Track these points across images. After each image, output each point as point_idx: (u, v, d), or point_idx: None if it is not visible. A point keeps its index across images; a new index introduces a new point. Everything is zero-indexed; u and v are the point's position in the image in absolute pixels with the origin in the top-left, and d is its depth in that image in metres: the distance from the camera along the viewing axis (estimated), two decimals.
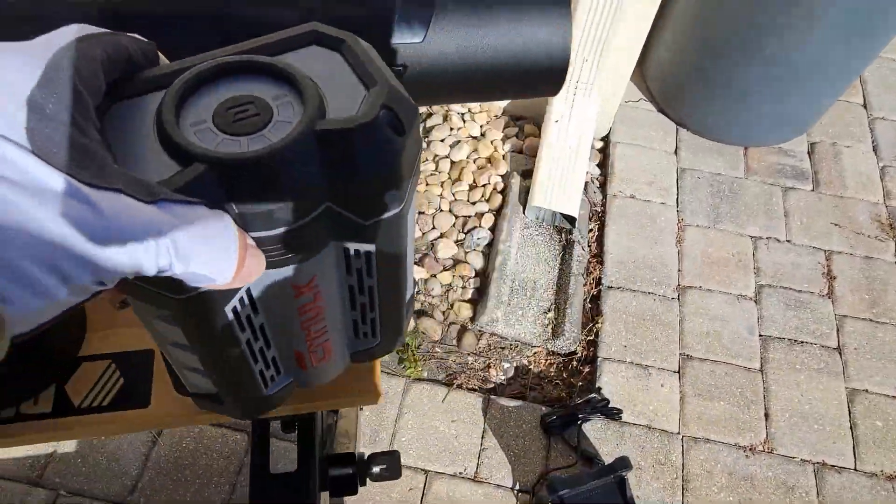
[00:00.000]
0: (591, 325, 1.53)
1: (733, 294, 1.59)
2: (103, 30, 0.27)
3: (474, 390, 1.44)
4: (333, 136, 0.28)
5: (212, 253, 0.25)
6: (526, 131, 1.80)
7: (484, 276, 1.57)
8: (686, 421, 1.41)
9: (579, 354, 1.50)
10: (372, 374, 0.49)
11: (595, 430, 1.38)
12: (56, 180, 0.21)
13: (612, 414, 1.37)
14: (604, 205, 1.72)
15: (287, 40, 0.32)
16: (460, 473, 1.33)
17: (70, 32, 0.26)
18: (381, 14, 0.47)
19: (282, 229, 0.29)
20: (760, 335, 1.53)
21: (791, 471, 1.37)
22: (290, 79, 0.30)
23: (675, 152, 1.83)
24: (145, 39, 0.30)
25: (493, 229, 1.63)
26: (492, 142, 1.76)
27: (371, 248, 0.34)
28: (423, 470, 1.33)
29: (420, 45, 0.48)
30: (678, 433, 1.39)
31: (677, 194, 1.74)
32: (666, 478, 1.34)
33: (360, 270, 0.35)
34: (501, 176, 1.70)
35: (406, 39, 0.48)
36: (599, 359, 1.47)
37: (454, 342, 1.49)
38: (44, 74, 0.23)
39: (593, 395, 1.39)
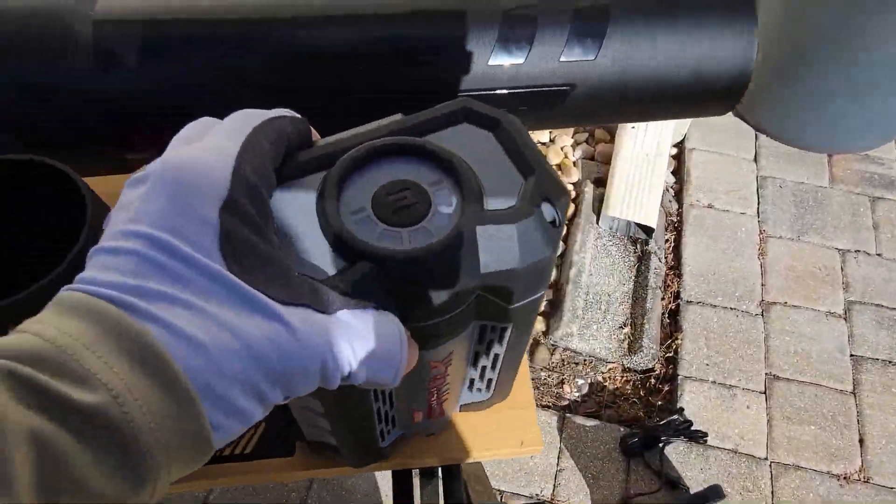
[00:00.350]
0: (669, 341, 1.46)
1: (821, 311, 1.50)
2: (263, 113, 0.27)
3: (548, 407, 1.38)
4: (494, 230, 0.27)
5: (384, 359, 0.25)
6: (597, 137, 1.74)
7: (557, 288, 1.51)
8: (774, 446, 1.33)
9: (657, 372, 1.43)
10: (532, 424, 0.45)
11: (677, 452, 1.32)
12: (255, 301, 0.21)
13: (697, 437, 1.30)
14: (680, 214, 1.65)
15: (439, 118, 0.31)
16: (537, 495, 1.28)
17: (240, 123, 0.25)
18: (552, 29, 0.42)
19: (435, 320, 0.28)
20: (852, 355, 1.44)
21: (890, 502, 1.28)
22: (448, 166, 0.29)
23: (755, 159, 1.74)
24: (298, 116, 0.28)
25: (565, 240, 1.57)
26: (562, 148, 1.70)
27: (509, 325, 0.34)
28: (497, 490, 1.28)
29: (591, 62, 0.44)
30: (766, 459, 1.32)
31: (758, 204, 1.66)
32: None
33: (491, 341, 0.36)
34: (573, 184, 1.65)
35: (576, 56, 0.43)
36: (680, 377, 1.41)
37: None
38: (233, 174, 0.23)
39: (675, 415, 1.33)
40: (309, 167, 0.29)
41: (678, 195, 1.69)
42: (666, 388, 1.41)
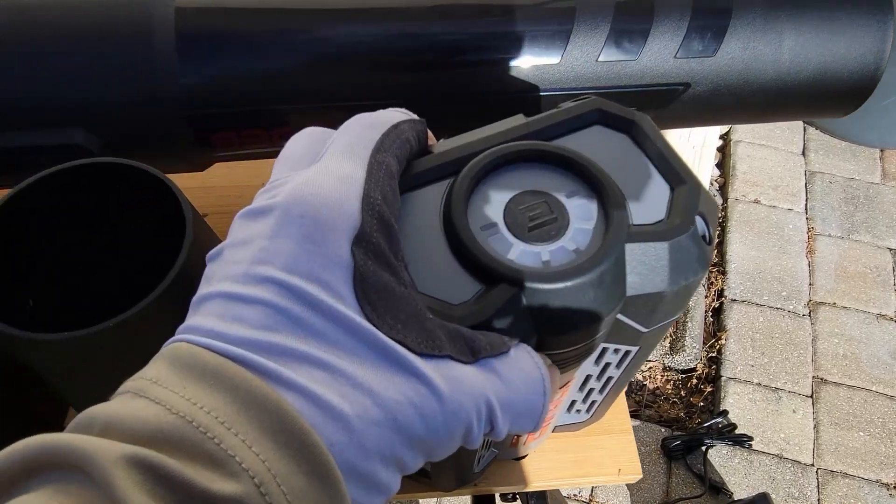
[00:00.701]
0: (713, 340, 1.42)
1: (872, 313, 1.45)
2: (381, 120, 0.24)
3: None
4: (644, 248, 0.24)
5: (528, 408, 0.22)
6: None
7: None
8: (821, 452, 1.29)
9: (699, 372, 1.40)
10: (630, 450, 0.42)
11: (720, 456, 1.28)
12: (395, 356, 0.19)
13: (742, 441, 1.27)
14: (724, 210, 1.59)
15: (569, 121, 0.28)
16: (575, 496, 1.25)
17: (358, 136, 0.23)
18: (669, 22, 0.38)
19: (572, 349, 0.26)
20: None
21: None
22: (587, 174, 0.26)
23: (803, 153, 1.68)
24: (416, 117, 0.26)
25: None
26: None
27: (634, 348, 0.31)
28: None
29: (711, 58, 0.40)
30: (812, 465, 1.28)
31: (806, 200, 1.60)
32: None
33: (608, 364, 0.32)
34: None
35: (695, 53, 0.39)
36: (723, 378, 1.37)
37: None
38: (363, 203, 0.20)
39: (719, 418, 1.29)
40: (429, 177, 0.26)
41: (723, 189, 1.63)
42: (708, 389, 1.38)
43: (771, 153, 1.67)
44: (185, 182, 0.45)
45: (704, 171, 1.50)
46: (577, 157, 0.26)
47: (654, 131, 0.27)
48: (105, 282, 0.36)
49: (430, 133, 0.28)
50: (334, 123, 0.40)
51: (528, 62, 0.38)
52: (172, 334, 0.20)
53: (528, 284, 0.23)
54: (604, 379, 0.34)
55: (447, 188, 0.26)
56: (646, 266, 0.24)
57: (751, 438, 1.27)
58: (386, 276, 0.20)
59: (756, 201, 1.60)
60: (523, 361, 0.22)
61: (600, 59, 0.39)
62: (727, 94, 0.41)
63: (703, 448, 1.26)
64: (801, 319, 1.44)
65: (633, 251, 0.24)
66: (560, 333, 0.24)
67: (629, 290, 0.24)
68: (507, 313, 0.22)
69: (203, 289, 0.20)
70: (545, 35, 0.38)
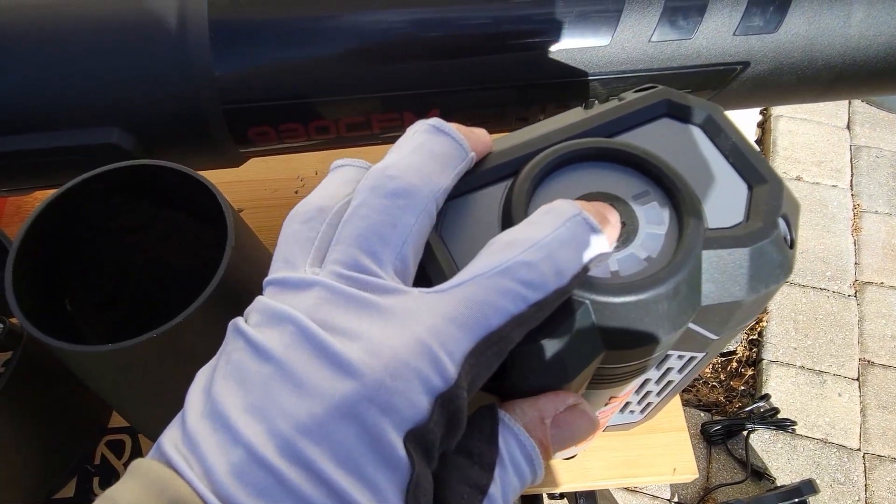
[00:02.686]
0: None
1: None
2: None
3: None
4: (722, 255, 0.22)
5: None
6: None
7: None
8: (868, 436, 1.25)
9: (740, 355, 1.36)
10: (686, 449, 0.40)
11: (762, 441, 1.25)
12: None
13: (785, 425, 1.23)
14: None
15: (634, 113, 0.26)
16: None
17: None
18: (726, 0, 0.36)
19: (640, 361, 0.24)
20: None
21: None
22: (657, 173, 0.24)
23: (848, 127, 1.61)
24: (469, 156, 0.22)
25: None
26: None
27: (700, 354, 0.29)
28: None
29: (772, 34, 0.37)
30: (859, 449, 1.24)
31: (851, 176, 1.54)
32: (846, 500, 1.20)
33: (670, 369, 0.30)
34: None
35: (755, 29, 0.37)
36: (764, 361, 1.33)
37: None
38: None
39: (761, 402, 1.26)
40: (486, 178, 0.24)
41: None
42: (749, 373, 1.34)
43: (813, 128, 1.61)
44: (219, 176, 0.44)
45: None
46: (645, 155, 0.24)
47: (728, 124, 0.25)
48: (144, 283, 0.35)
49: (484, 132, 0.25)
50: (373, 116, 0.39)
51: (575, 45, 0.36)
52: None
53: (596, 297, 0.21)
54: (663, 383, 0.32)
55: (505, 191, 0.24)
56: (723, 274, 0.22)
57: (794, 423, 1.24)
58: (427, 472, 0.17)
59: (798, 178, 1.54)
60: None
61: (653, 39, 0.36)
62: (789, 72, 0.38)
63: (745, 433, 1.23)
64: (846, 300, 1.39)
65: (709, 258, 0.22)
66: (629, 348, 0.22)
67: (704, 299, 0.23)
68: (574, 330, 0.21)
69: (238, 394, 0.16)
70: (594, 15, 0.36)
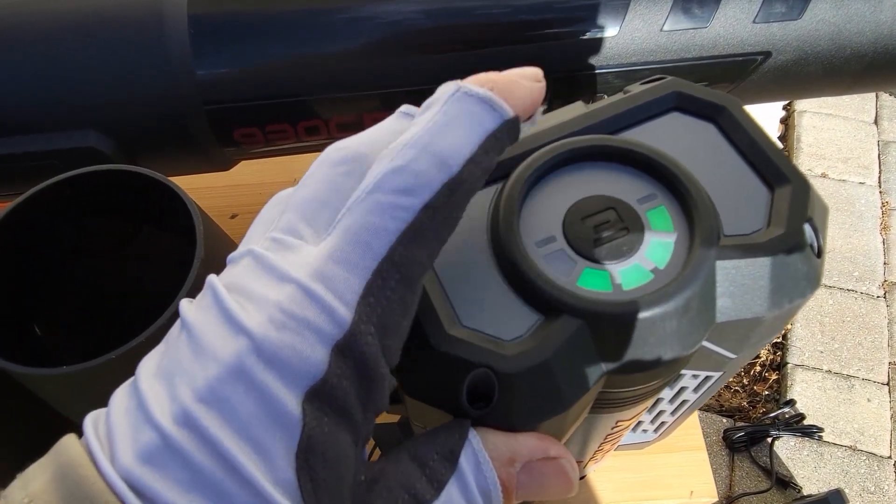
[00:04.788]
0: None
1: None
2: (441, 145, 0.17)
3: None
4: (739, 266, 0.20)
5: None
6: None
7: None
8: None
9: (763, 358, 1.32)
10: (704, 470, 0.37)
11: (787, 448, 1.21)
12: None
13: (811, 432, 1.19)
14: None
15: (641, 107, 0.23)
16: None
17: (367, 217, 0.16)
18: None
19: (647, 385, 0.21)
20: None
21: None
22: (665, 174, 0.21)
23: (875, 122, 1.56)
24: (509, 114, 0.18)
25: None
26: None
27: (717, 374, 0.26)
28: None
29: (796, 22, 0.34)
30: (889, 457, 1.20)
31: (879, 173, 1.49)
32: None
33: (684, 388, 0.28)
34: None
35: (777, 17, 0.34)
36: (789, 365, 1.29)
37: None
38: (345, 339, 0.15)
39: (786, 408, 1.22)
40: None
41: None
42: (773, 377, 1.30)
43: (839, 123, 1.56)
44: (211, 180, 0.42)
45: None
46: (652, 154, 0.21)
47: (747, 118, 0.22)
48: (122, 304, 0.33)
49: None
50: (365, 115, 0.37)
51: (581, 36, 0.34)
52: None
53: (597, 315, 0.18)
54: (677, 402, 0.29)
55: (494, 195, 0.21)
56: (741, 287, 0.20)
57: (821, 429, 1.20)
58: (342, 437, 0.15)
59: (824, 175, 1.49)
60: None
61: (665, 28, 0.34)
62: (815, 62, 0.35)
63: (769, 440, 1.19)
64: (875, 301, 1.34)
65: (725, 269, 0.20)
66: (633, 372, 0.20)
67: (719, 315, 0.20)
68: (571, 352, 0.18)
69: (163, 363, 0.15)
70: (601, 3, 0.33)
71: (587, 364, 0.19)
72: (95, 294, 0.32)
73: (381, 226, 0.15)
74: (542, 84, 0.19)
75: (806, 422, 1.20)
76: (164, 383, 0.15)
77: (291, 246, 0.16)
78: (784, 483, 1.17)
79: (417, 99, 0.35)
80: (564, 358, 0.19)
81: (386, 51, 0.34)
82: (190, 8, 0.33)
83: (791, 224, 0.20)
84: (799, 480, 1.17)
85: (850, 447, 1.21)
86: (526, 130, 0.19)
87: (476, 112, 0.17)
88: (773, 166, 0.22)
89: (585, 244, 0.20)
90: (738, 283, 0.20)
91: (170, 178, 0.39)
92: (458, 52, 0.34)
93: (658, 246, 0.20)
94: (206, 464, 0.13)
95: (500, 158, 0.22)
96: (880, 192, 1.47)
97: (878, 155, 1.52)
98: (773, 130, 1.45)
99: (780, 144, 1.56)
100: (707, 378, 0.27)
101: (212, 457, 0.13)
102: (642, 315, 0.19)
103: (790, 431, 1.19)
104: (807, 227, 0.21)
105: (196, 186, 0.44)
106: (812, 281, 0.21)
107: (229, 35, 0.33)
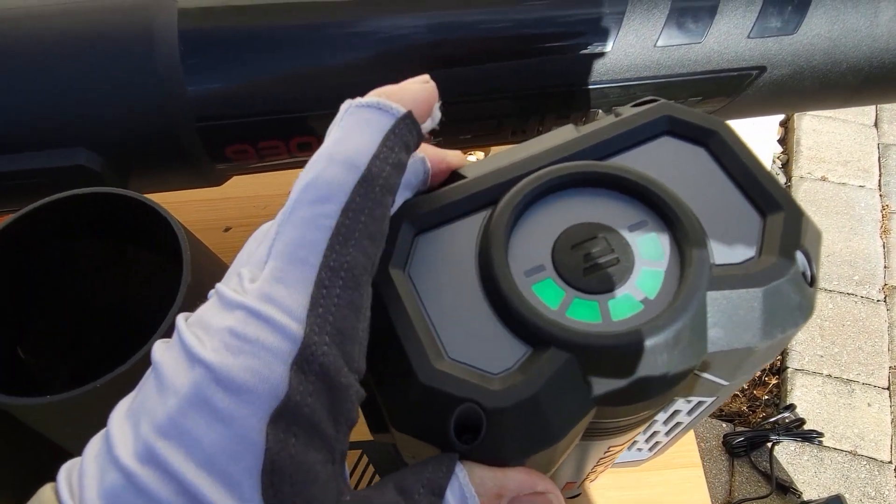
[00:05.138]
0: None
1: None
2: (339, 158, 0.18)
3: None
4: (731, 297, 0.20)
5: None
6: None
7: None
8: None
9: None
10: (699, 487, 0.37)
11: (788, 453, 1.20)
12: None
13: (812, 437, 1.18)
14: (788, 189, 1.49)
15: (630, 132, 0.23)
16: None
17: (310, 220, 0.17)
18: None
19: (635, 417, 0.21)
20: None
21: None
22: (656, 201, 0.21)
23: (875, 125, 1.55)
24: (401, 111, 0.19)
25: None
26: None
27: (710, 399, 0.26)
28: None
29: (791, 36, 0.34)
30: (890, 462, 1.19)
31: (880, 176, 1.48)
32: None
33: (678, 412, 0.28)
34: None
35: (772, 31, 0.33)
36: (789, 370, 1.28)
37: None
38: (299, 355, 0.15)
39: (786, 412, 1.21)
40: (460, 209, 0.22)
41: (786, 167, 1.53)
42: (773, 381, 1.30)
43: (839, 126, 1.55)
44: (204, 192, 0.42)
45: (765, 147, 1.41)
46: (642, 180, 0.21)
47: (738, 143, 0.22)
48: (111, 325, 0.33)
49: (460, 154, 0.23)
50: None
51: (573, 51, 0.33)
52: None
53: (586, 348, 0.18)
54: (671, 424, 0.29)
55: (483, 223, 0.21)
56: (733, 318, 0.19)
57: (821, 434, 1.19)
58: (312, 456, 0.15)
59: (823, 179, 1.49)
60: None
61: (658, 43, 0.33)
62: (810, 77, 0.35)
63: (769, 445, 1.19)
64: (875, 305, 1.34)
65: (716, 300, 0.19)
66: (623, 404, 0.19)
67: (711, 345, 0.20)
68: (560, 385, 0.18)
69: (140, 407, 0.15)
70: (593, 19, 0.33)
71: (576, 397, 0.19)
72: (84, 317, 0.32)
73: (309, 238, 0.16)
74: (430, 84, 0.21)
75: (806, 426, 1.20)
76: (130, 423, 0.15)
77: (244, 277, 0.17)
78: (784, 488, 1.16)
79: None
80: (553, 391, 0.18)
81: (379, 66, 0.34)
82: (180, 24, 0.32)
83: (783, 253, 0.20)
84: (799, 486, 1.17)
85: (851, 452, 1.21)
86: (429, 125, 0.20)
87: (369, 118, 0.18)
88: (765, 192, 0.21)
89: (575, 274, 0.20)
90: (730, 313, 0.20)
91: (163, 192, 0.39)
92: (452, 68, 0.34)
93: (648, 275, 0.20)
94: (170, 499, 0.13)
95: (488, 185, 0.22)
96: (880, 196, 1.46)
97: (879, 158, 1.51)
98: (772, 134, 1.45)
99: (779, 148, 1.55)
100: (700, 402, 0.27)
101: (176, 491, 0.13)
102: (632, 348, 0.19)
103: (790, 436, 1.18)
104: (799, 255, 0.20)
105: (189, 199, 0.44)
106: (805, 310, 0.21)
107: (220, 51, 0.33)
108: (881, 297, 1.35)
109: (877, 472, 1.19)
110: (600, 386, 0.19)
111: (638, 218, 0.21)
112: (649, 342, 0.19)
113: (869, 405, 1.24)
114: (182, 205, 0.47)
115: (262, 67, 0.33)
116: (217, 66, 0.33)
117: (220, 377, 0.14)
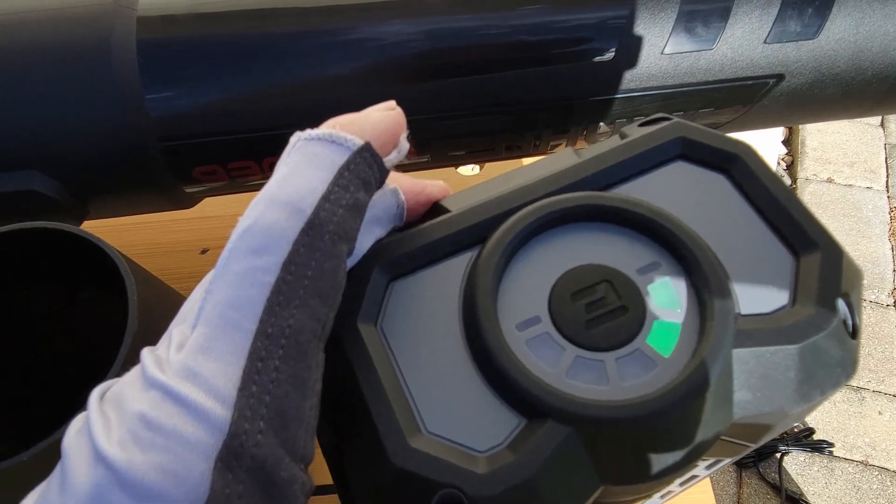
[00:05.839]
0: None
1: None
2: (280, 206, 0.15)
3: None
4: (761, 354, 0.17)
5: None
6: None
7: None
8: None
9: None
10: (708, 500, 0.35)
11: (797, 464, 1.17)
12: None
13: (821, 447, 1.15)
14: (794, 191, 1.46)
15: (640, 157, 0.20)
16: None
17: (247, 277, 0.14)
18: (755, 1, 0.30)
19: (644, 495, 0.19)
20: None
21: None
22: (671, 240, 0.18)
23: (882, 124, 1.52)
24: (358, 144, 0.16)
25: None
26: None
27: (731, 458, 0.22)
28: None
29: (812, 41, 0.31)
30: None
31: (887, 177, 1.45)
32: None
33: (695, 476, 0.25)
34: None
35: (790, 36, 0.30)
36: None
37: None
38: (223, 449, 0.12)
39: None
40: (441, 250, 0.19)
41: (791, 169, 1.50)
42: None
43: (845, 126, 1.52)
44: (178, 213, 0.39)
45: (770, 148, 1.37)
46: (654, 214, 0.18)
47: (764, 168, 0.19)
48: (66, 376, 0.30)
49: (443, 185, 0.21)
50: None
51: (571, 60, 0.30)
52: None
53: (590, 421, 0.15)
54: (686, 476, 0.26)
55: (468, 266, 0.18)
56: (763, 380, 0.17)
57: (831, 444, 1.16)
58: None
59: (829, 180, 1.46)
60: None
61: (666, 50, 0.30)
62: (832, 84, 0.32)
63: (778, 455, 1.15)
64: (885, 310, 1.30)
65: (743, 359, 0.17)
66: (635, 482, 0.16)
67: (737, 410, 0.17)
68: (559, 466, 0.15)
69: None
70: (593, 24, 0.30)
71: (579, 478, 0.16)
72: (37, 366, 0.29)
73: (243, 298, 0.13)
74: (395, 112, 0.18)
75: (816, 436, 1.17)
76: None
77: (173, 342, 0.14)
78: (794, 500, 1.13)
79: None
80: (551, 473, 0.15)
81: (360, 79, 0.31)
82: (139, 33, 0.29)
83: (822, 301, 0.17)
84: (809, 497, 1.14)
85: (862, 462, 1.17)
86: (394, 157, 0.18)
87: (319, 152, 0.16)
88: (797, 228, 0.18)
89: (576, 327, 0.17)
90: (760, 374, 0.17)
91: (129, 216, 0.36)
92: (440, 80, 0.31)
93: (662, 329, 0.17)
94: None
95: (474, 222, 0.19)
96: (888, 197, 1.43)
97: (885, 159, 1.48)
98: (776, 135, 1.42)
99: (784, 149, 1.52)
100: (719, 461, 0.24)
101: None
102: (645, 421, 0.16)
103: (799, 446, 1.15)
104: (841, 304, 0.18)
105: (162, 220, 0.41)
106: (847, 367, 0.18)
107: (184, 63, 0.30)
108: (890, 301, 1.31)
109: (889, 483, 1.15)
110: (608, 464, 0.16)
111: (649, 259, 0.18)
112: (665, 412, 0.16)
113: (880, 413, 1.21)
114: (155, 225, 0.44)
115: (231, 81, 0.30)
116: (180, 80, 0.30)
117: (125, 480, 0.11)
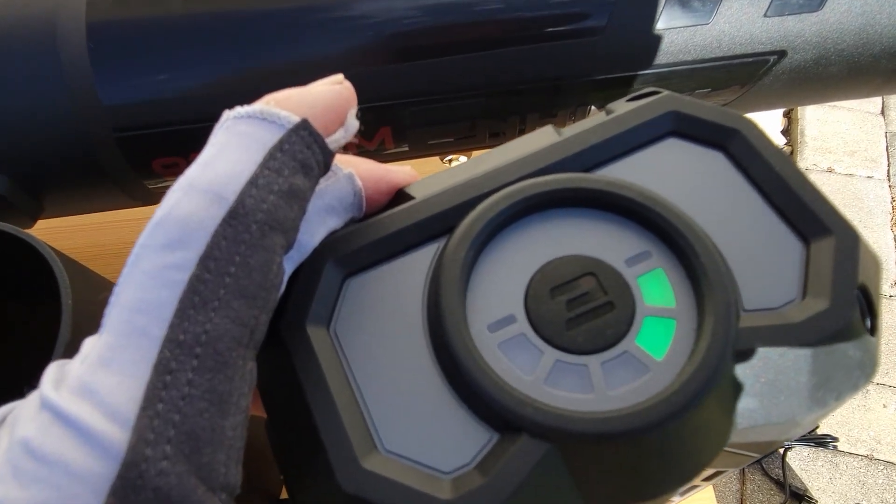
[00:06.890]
0: None
1: None
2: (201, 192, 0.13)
3: None
4: (768, 357, 0.14)
5: None
6: None
7: None
8: None
9: None
10: (710, 497, 0.33)
11: (801, 459, 1.15)
12: None
13: (825, 441, 1.13)
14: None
15: (628, 133, 0.18)
16: None
17: (157, 276, 0.12)
18: None
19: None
20: None
21: None
22: (663, 226, 0.16)
23: (882, 112, 1.50)
24: (294, 121, 0.14)
25: None
26: None
27: (734, 468, 0.20)
28: None
29: (815, 14, 0.29)
30: None
31: (888, 166, 1.43)
32: None
33: (695, 486, 0.22)
34: None
35: (792, 8, 0.28)
36: None
37: None
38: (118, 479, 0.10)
39: None
40: (404, 241, 0.16)
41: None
42: None
43: (845, 115, 1.50)
44: (146, 209, 0.36)
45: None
46: (644, 198, 0.16)
47: (767, 144, 0.17)
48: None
49: (411, 170, 0.19)
50: None
51: (557, 38, 0.28)
52: None
53: (571, 436, 0.13)
54: (685, 487, 0.24)
55: (433, 259, 0.16)
56: (771, 385, 0.15)
57: (835, 439, 1.14)
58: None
59: (830, 170, 1.44)
60: None
61: (659, 26, 0.28)
62: (838, 61, 0.30)
63: (781, 450, 1.14)
64: (887, 301, 1.28)
65: (751, 363, 0.14)
66: (617, 499, 0.14)
67: (741, 419, 0.15)
68: (536, 488, 0.13)
69: None
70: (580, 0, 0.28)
71: (560, 502, 0.14)
72: None
73: (153, 300, 0.11)
74: (343, 85, 0.16)
75: (819, 431, 1.15)
76: None
77: (80, 354, 0.12)
78: (798, 496, 1.11)
79: (363, 118, 0.29)
80: (527, 497, 0.13)
81: (329, 60, 0.29)
82: (89, 15, 0.27)
83: (838, 295, 0.15)
84: (814, 493, 1.12)
85: (867, 456, 1.16)
86: (340, 137, 0.15)
87: (248, 131, 0.13)
88: (806, 210, 0.16)
89: (556, 327, 0.15)
90: (767, 378, 0.15)
91: (89, 213, 0.34)
92: (414, 60, 0.29)
93: (654, 327, 0.15)
94: None
95: (441, 209, 0.17)
96: (889, 187, 1.41)
97: (886, 147, 1.46)
98: (776, 124, 1.40)
99: (783, 139, 1.50)
100: (721, 472, 0.22)
101: None
102: (634, 434, 0.13)
103: (803, 441, 1.14)
104: (858, 296, 0.15)
105: (127, 218, 0.38)
106: (867, 369, 0.15)
107: (138, 46, 0.28)
108: (893, 292, 1.30)
109: (894, 477, 1.14)
110: (592, 484, 0.14)
111: (639, 248, 0.16)
112: (658, 426, 0.14)
113: (884, 406, 1.19)
114: (120, 224, 0.42)
115: (190, 66, 0.28)
116: (135, 66, 0.28)
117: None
